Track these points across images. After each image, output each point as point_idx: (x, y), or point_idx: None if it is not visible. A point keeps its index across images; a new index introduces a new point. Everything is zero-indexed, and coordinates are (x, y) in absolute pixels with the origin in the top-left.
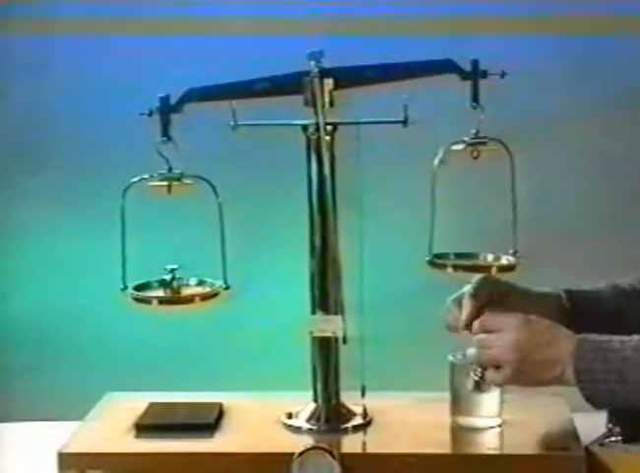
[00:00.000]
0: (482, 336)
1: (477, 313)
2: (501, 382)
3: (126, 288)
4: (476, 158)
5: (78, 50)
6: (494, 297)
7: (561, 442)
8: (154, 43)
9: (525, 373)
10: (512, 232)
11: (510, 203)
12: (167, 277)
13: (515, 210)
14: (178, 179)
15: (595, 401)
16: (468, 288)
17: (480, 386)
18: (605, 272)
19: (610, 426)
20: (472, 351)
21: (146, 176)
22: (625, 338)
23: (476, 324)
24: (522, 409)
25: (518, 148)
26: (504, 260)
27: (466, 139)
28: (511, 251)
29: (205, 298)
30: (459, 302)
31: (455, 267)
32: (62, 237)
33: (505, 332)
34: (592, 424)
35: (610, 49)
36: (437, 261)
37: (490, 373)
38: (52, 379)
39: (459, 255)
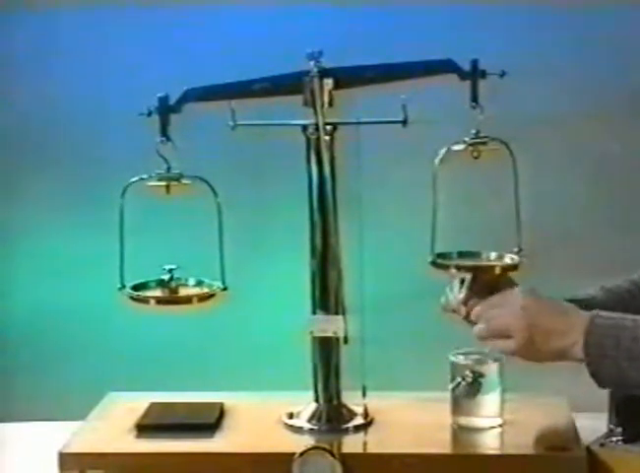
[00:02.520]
0: (490, 310)
1: (472, 294)
2: (511, 352)
3: (124, 287)
4: (476, 158)
5: (78, 51)
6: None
7: (562, 442)
8: (153, 43)
9: (534, 342)
10: (516, 230)
11: (510, 202)
12: (166, 277)
13: (518, 208)
14: (177, 180)
15: (600, 378)
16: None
17: (468, 392)
18: (604, 273)
19: (611, 426)
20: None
21: (144, 176)
22: (638, 317)
23: (479, 306)
24: (522, 409)
25: (515, 148)
26: (508, 259)
27: (466, 139)
28: (515, 250)
29: (202, 298)
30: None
31: (458, 267)
32: (62, 237)
33: (511, 302)
34: (592, 424)
35: (613, 49)
36: (440, 262)
37: (500, 343)
38: (52, 379)
39: (461, 254)
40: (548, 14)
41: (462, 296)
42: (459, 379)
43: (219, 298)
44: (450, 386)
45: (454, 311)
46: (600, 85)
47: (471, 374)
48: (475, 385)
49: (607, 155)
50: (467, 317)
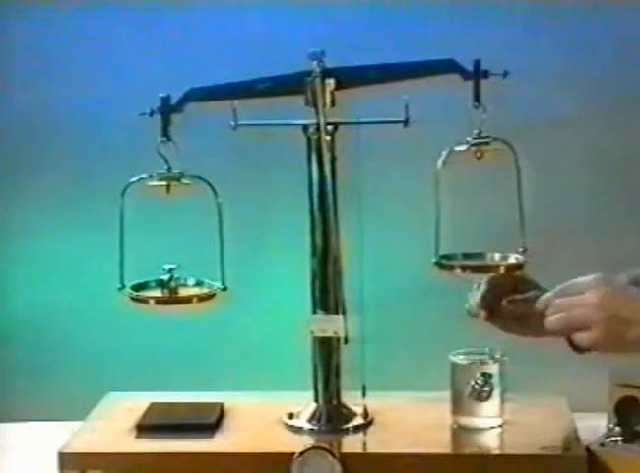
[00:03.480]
0: (564, 299)
1: (493, 295)
2: (591, 344)
3: (124, 287)
4: (479, 158)
5: (77, 50)
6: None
7: (561, 442)
8: (154, 42)
9: (616, 332)
10: (520, 230)
11: (511, 202)
12: (165, 277)
13: (522, 208)
14: (177, 180)
15: None
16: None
17: (479, 395)
18: (605, 271)
19: (611, 426)
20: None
21: (145, 176)
22: None
23: (550, 294)
24: (522, 409)
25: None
26: (512, 259)
27: (469, 139)
28: (520, 250)
29: (202, 298)
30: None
31: (463, 268)
32: (62, 237)
33: (587, 292)
34: (592, 424)
35: (613, 47)
36: (445, 263)
37: (579, 335)
38: (52, 379)
39: (466, 256)
40: (550, 14)
41: (479, 299)
42: (472, 384)
43: (218, 298)
44: (469, 396)
45: (475, 316)
46: (602, 84)
47: (482, 378)
48: (487, 388)
49: (610, 155)
50: (487, 320)
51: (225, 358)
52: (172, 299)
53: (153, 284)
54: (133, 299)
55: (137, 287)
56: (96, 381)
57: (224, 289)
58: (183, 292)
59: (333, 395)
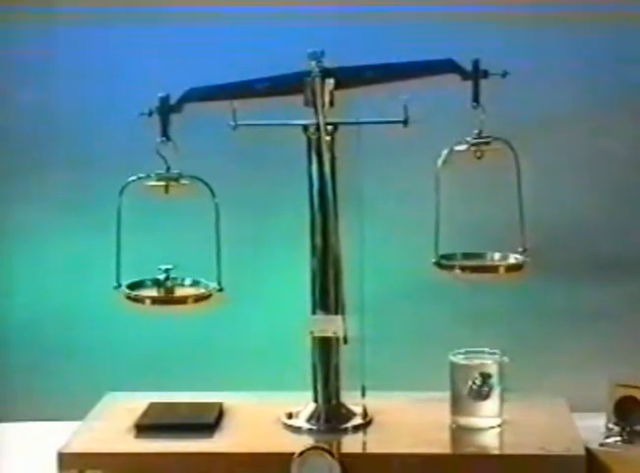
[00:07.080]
0: None
1: None
2: None
3: (120, 286)
4: (479, 158)
5: (78, 51)
6: None
7: (561, 442)
8: (154, 43)
9: None
10: (520, 230)
11: (510, 202)
12: (161, 276)
13: (522, 208)
14: (176, 180)
15: None
16: None
17: (478, 394)
18: (605, 272)
19: (611, 426)
20: None
21: (143, 176)
22: None
23: None
24: (522, 409)
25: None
26: (512, 259)
27: (469, 139)
28: (520, 250)
29: (198, 299)
30: None
31: (462, 268)
32: (62, 237)
33: None
34: (592, 424)
35: (612, 47)
36: (444, 262)
37: None
38: (52, 379)
39: (466, 255)
40: (549, 14)
41: None
42: (471, 384)
43: (214, 298)
44: (467, 394)
45: None
46: (600, 84)
47: (480, 377)
48: (485, 387)
49: (607, 154)
50: None
51: (225, 358)
52: (168, 298)
53: (149, 283)
54: (129, 298)
55: (133, 286)
56: (95, 381)
57: (220, 290)
58: (179, 292)
59: (332, 395)
